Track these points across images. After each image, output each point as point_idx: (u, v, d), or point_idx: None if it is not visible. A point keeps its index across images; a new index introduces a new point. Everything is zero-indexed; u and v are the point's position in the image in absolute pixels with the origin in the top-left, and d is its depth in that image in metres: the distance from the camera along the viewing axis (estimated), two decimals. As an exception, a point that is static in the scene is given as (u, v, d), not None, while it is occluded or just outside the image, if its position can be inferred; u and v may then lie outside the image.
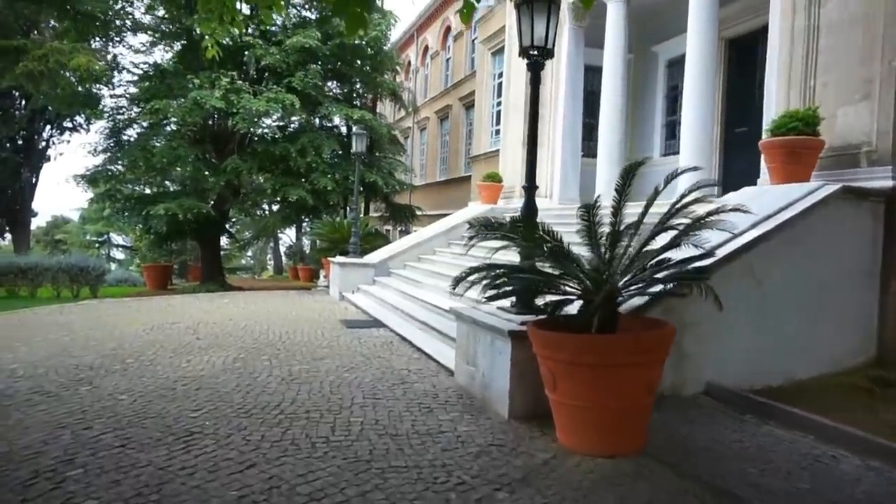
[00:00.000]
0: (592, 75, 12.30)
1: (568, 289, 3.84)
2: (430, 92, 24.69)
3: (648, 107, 12.60)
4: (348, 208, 16.61)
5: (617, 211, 3.70)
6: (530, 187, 4.83)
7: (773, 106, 7.03)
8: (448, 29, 23.28)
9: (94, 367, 5.49)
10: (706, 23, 8.48)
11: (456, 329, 5.28)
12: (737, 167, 10.21)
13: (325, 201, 15.37)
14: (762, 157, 6.51)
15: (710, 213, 3.63)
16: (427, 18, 25.30)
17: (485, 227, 3.83)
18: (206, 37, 5.35)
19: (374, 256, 11.90)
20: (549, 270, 3.98)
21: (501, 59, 15.00)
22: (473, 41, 21.23)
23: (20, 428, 3.82)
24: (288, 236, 38.66)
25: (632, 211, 3.99)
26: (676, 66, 12.14)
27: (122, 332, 7.33)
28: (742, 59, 10.40)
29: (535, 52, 4.74)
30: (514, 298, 4.97)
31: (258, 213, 19.23)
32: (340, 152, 16.00)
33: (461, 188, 20.48)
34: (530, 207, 4.83)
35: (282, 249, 39.98)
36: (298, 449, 3.53)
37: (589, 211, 3.65)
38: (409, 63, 27.05)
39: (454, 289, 3.99)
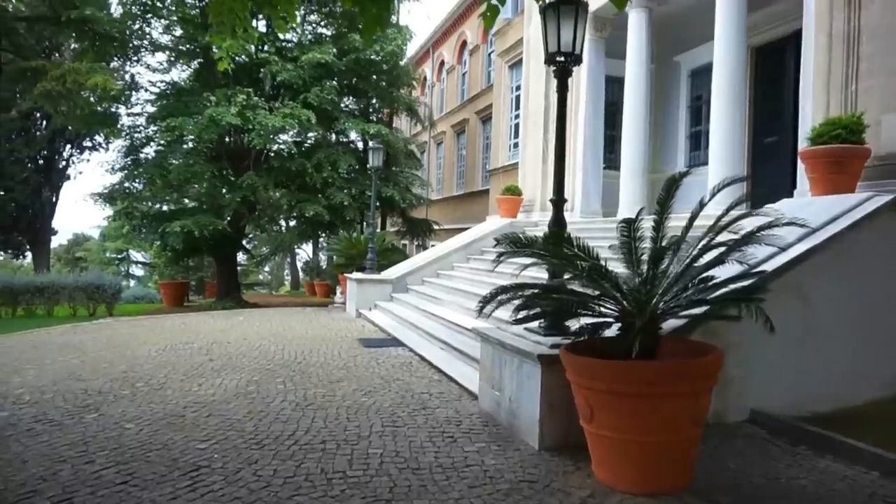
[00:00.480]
0: (613, 86, 12.04)
1: (604, 310, 3.54)
2: (447, 106, 24.58)
3: (671, 118, 12.28)
4: (364, 223, 16.44)
5: (659, 225, 3.41)
6: (559, 200, 4.55)
7: (810, 113, 6.70)
8: (464, 43, 23.19)
9: (102, 391, 5.27)
10: (734, 30, 8.18)
11: (480, 351, 4.99)
12: (766, 178, 9.83)
13: (341, 216, 15.19)
14: (800, 167, 6.19)
15: (761, 227, 3.32)
16: (443, 34, 25.26)
17: (514, 244, 3.56)
18: (218, 49, 5.17)
19: (392, 272, 11.66)
20: (581, 290, 3.69)
21: (519, 71, 14.80)
22: (489, 55, 21.10)
23: (18, 462, 3.59)
24: (305, 251, 38.69)
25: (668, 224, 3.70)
26: (700, 76, 11.84)
27: (134, 353, 7.13)
28: (769, 67, 10.06)
29: (563, 59, 4.48)
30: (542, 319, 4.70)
31: (275, 228, 19.10)
32: (357, 167, 15.87)
33: (479, 202, 20.24)
34: (559, 222, 4.55)
35: (299, 265, 40.01)
36: (313, 486, 3.25)
37: (630, 226, 3.37)
38: (426, 78, 27.00)
39: (482, 310, 3.72)
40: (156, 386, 5.46)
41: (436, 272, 11.34)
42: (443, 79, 25.84)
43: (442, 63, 25.73)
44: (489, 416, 4.62)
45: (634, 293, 3.26)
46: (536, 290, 3.60)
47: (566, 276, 3.81)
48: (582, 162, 11.49)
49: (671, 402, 3.11)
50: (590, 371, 3.26)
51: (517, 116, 14.97)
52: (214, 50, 13.92)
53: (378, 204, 15.47)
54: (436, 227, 19.28)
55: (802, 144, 6.77)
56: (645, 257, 3.38)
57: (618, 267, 3.65)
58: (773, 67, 9.92)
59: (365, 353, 7.26)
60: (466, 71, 23.17)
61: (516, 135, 15.04)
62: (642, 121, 10.11)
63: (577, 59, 4.52)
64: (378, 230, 15.80)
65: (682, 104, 12.04)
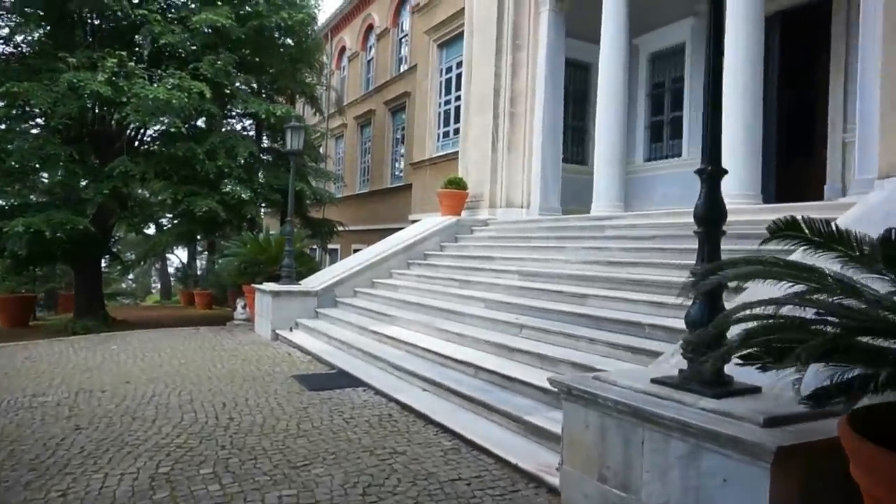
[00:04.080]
0: (571, 72, 10.62)
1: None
2: (349, 96, 22.29)
3: (629, 106, 11.07)
4: (261, 222, 13.90)
5: None
6: (718, 170, 2.79)
7: (875, 83, 5.52)
8: (370, 27, 21.11)
9: None
10: (748, -6, 6.94)
11: (565, 415, 3.12)
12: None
13: (239, 214, 12.58)
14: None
15: None
16: (343, 17, 23.00)
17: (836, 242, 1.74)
18: None
19: (314, 282, 9.45)
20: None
21: (451, 50, 13.08)
22: (401, 39, 19.25)
23: None
24: (177, 256, 34.57)
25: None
26: (661, 60, 10.77)
27: (-55, 419, 4.50)
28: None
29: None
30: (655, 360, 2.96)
31: (152, 228, 15.85)
32: (252, 157, 13.28)
33: (388, 201, 18.32)
34: (714, 204, 2.79)
35: (170, 270, 35.65)
36: None
37: None
38: (322, 66, 24.48)
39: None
40: (-22, 500, 3.05)
41: (370, 281, 9.30)
42: (344, 66, 23.55)
43: (343, 49, 23.42)
44: (602, 530, 2.77)
45: None
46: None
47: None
48: (540, 153, 9.97)
49: None
50: None
51: (448, 102, 13.23)
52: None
53: (282, 198, 13.06)
54: (340, 228, 17.11)
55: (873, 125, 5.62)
56: None
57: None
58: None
59: (315, 400, 5.12)
60: (372, 58, 21.12)
61: (446, 123, 13.29)
62: (620, 103, 8.76)
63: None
64: (273, 231, 13.35)
65: (641, 91, 10.88)
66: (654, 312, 4.82)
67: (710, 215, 2.76)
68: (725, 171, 2.81)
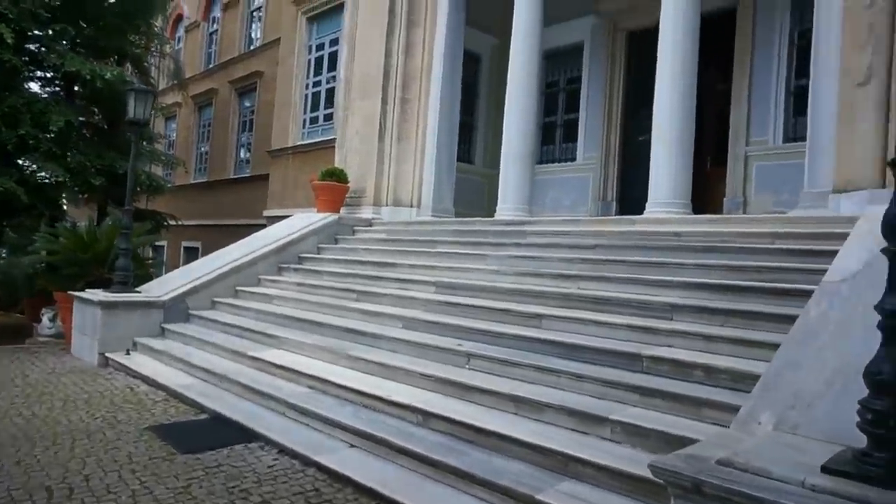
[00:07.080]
0: (467, 63, 9.67)
1: None
2: (186, 72, 19.49)
3: (519, 104, 10.44)
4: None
5: None
6: None
7: (831, 94, 5.21)
8: (216, -6, 18.64)
9: None
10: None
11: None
12: (637, 182, 8.36)
13: (49, 199, 9.93)
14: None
15: None
16: (182, -20, 20.13)
17: None
18: None
19: (158, 290, 7.46)
20: None
21: (324, 26, 11.58)
22: (253, 13, 17.15)
23: None
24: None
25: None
26: (555, 59, 10.29)
27: None
28: (644, 54, 8.72)
29: None
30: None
31: None
32: (69, 127, 10.61)
33: (232, 194, 16.23)
34: None
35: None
36: None
37: None
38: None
39: None
40: None
41: (233, 289, 7.59)
42: (179, 37, 20.65)
43: (179, 17, 20.50)
44: None
45: None
46: None
47: None
48: (435, 145, 8.94)
49: None
50: None
51: (318, 84, 11.68)
52: None
53: (101, 182, 10.54)
54: (172, 222, 14.53)
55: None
56: None
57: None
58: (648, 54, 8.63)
59: (197, 471, 3.54)
60: (216, 30, 18.67)
61: (315, 107, 11.74)
62: (533, 95, 8.02)
63: None
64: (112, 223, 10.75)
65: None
66: (644, 340, 3.97)
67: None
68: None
